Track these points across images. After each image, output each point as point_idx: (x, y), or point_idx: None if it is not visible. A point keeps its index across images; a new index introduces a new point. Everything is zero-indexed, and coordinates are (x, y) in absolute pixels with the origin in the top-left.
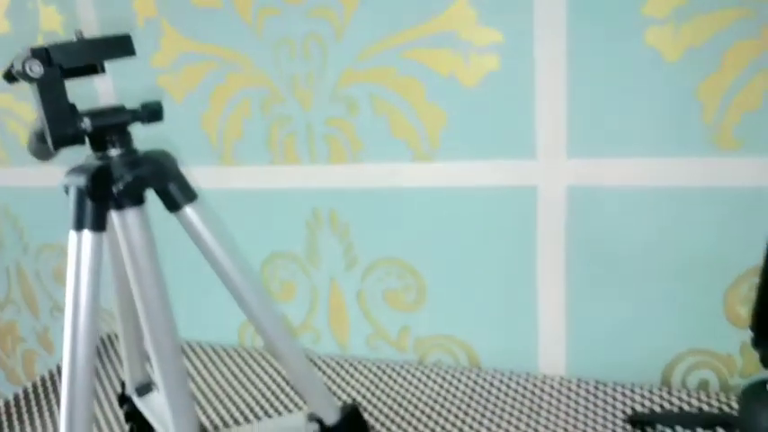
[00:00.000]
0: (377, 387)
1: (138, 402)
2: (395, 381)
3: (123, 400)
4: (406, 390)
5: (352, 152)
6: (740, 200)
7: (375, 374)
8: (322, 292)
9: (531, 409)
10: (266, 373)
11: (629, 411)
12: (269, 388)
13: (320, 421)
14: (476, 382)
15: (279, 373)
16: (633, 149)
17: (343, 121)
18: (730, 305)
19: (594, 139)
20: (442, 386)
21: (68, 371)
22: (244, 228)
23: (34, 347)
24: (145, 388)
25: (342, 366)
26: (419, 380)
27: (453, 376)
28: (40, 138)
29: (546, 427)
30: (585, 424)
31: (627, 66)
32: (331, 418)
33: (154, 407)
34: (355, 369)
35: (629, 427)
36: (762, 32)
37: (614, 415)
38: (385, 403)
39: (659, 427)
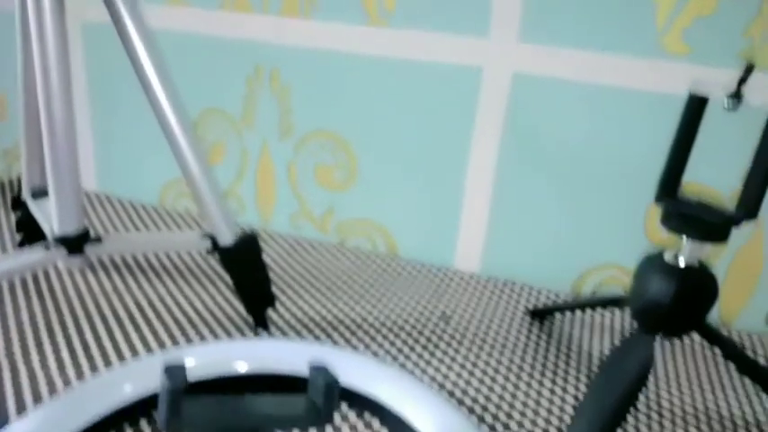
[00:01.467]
0: (292, 258)
1: (32, 205)
2: (311, 254)
3: (17, 203)
4: (320, 262)
5: (305, 6)
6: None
7: (293, 247)
8: (252, 157)
9: (435, 291)
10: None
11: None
12: None
13: (214, 240)
14: (389, 265)
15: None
16: (585, 42)
17: None
18: (651, 222)
19: (548, 26)
20: (354, 263)
21: None
22: (181, 76)
23: None
24: (40, 192)
25: (260, 236)
26: (335, 256)
27: (369, 258)
28: None
29: (447, 306)
30: (485, 311)
31: None
32: (225, 239)
33: (46, 210)
34: (275, 241)
35: (528, 318)
36: None
37: (516, 308)
38: (297, 272)
39: (557, 318)
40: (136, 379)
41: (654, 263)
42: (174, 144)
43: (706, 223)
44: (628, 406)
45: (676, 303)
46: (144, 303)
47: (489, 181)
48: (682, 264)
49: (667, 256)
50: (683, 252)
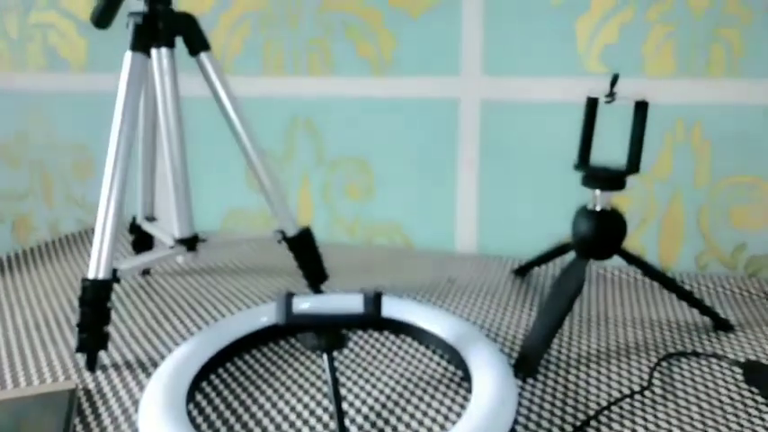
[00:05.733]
0: (331, 257)
1: (147, 226)
2: (344, 253)
3: (133, 228)
4: (352, 257)
5: (325, 66)
6: None
7: (331, 249)
8: (294, 184)
9: (441, 267)
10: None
11: None
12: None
13: (283, 233)
14: (405, 254)
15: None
16: (527, 70)
17: (322, 41)
18: None
19: (502, 62)
20: (379, 256)
21: (113, 150)
22: None
23: (46, 237)
24: (151, 218)
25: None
26: (363, 252)
27: (389, 251)
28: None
29: (450, 273)
30: (480, 275)
31: (525, 9)
32: (291, 231)
33: (157, 227)
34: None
35: (512, 276)
36: None
37: (504, 271)
38: (337, 264)
39: (534, 273)
40: (261, 314)
41: (582, 211)
42: (252, 164)
43: (607, 179)
44: (567, 311)
45: (596, 235)
46: (234, 291)
47: (475, 180)
48: (598, 208)
49: (589, 206)
50: (598, 201)
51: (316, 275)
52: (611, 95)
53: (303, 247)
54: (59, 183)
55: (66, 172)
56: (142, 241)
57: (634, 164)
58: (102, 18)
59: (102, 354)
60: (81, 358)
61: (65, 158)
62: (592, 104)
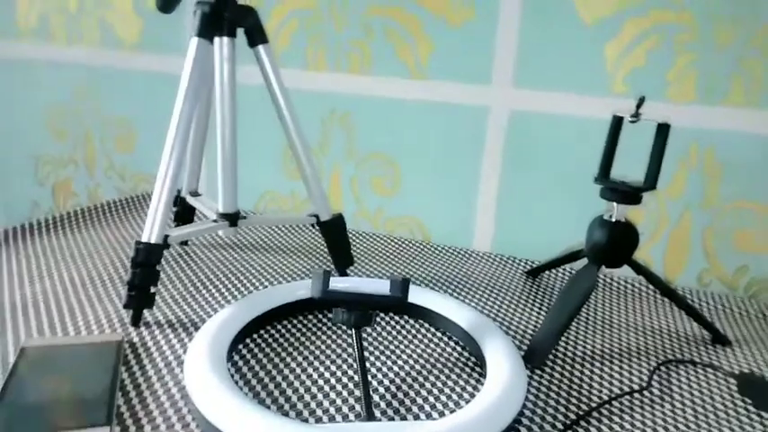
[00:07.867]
0: (355, 245)
1: (192, 201)
2: (367, 242)
3: (176, 201)
4: (374, 247)
5: (365, 66)
6: None
7: (355, 238)
8: (326, 174)
9: (458, 263)
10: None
11: None
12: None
13: (317, 217)
14: (425, 247)
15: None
16: (557, 86)
17: (363, 42)
18: None
19: (533, 76)
20: (400, 247)
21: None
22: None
23: (84, 202)
24: (195, 193)
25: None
26: (385, 242)
27: (410, 243)
28: None
29: (467, 270)
30: (494, 273)
31: (558, 27)
32: (325, 216)
33: (203, 202)
34: None
35: (524, 277)
36: (649, 13)
37: (517, 271)
38: (360, 252)
39: (545, 275)
40: (298, 288)
41: (598, 220)
42: (296, 152)
43: (626, 193)
44: (576, 313)
45: (610, 243)
46: (266, 266)
47: (496, 184)
48: (613, 219)
49: (605, 216)
50: (614, 212)
51: (343, 259)
52: (636, 116)
53: (335, 231)
54: (102, 153)
55: (109, 144)
56: (184, 214)
57: (652, 181)
58: (168, 3)
59: (145, 313)
60: (126, 315)
61: (110, 131)
62: (617, 122)
